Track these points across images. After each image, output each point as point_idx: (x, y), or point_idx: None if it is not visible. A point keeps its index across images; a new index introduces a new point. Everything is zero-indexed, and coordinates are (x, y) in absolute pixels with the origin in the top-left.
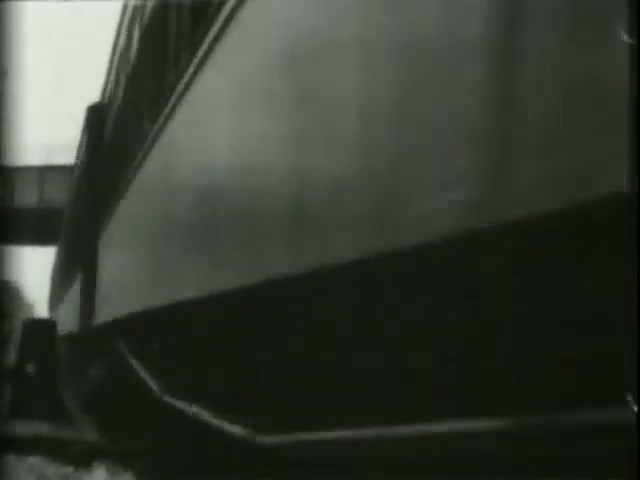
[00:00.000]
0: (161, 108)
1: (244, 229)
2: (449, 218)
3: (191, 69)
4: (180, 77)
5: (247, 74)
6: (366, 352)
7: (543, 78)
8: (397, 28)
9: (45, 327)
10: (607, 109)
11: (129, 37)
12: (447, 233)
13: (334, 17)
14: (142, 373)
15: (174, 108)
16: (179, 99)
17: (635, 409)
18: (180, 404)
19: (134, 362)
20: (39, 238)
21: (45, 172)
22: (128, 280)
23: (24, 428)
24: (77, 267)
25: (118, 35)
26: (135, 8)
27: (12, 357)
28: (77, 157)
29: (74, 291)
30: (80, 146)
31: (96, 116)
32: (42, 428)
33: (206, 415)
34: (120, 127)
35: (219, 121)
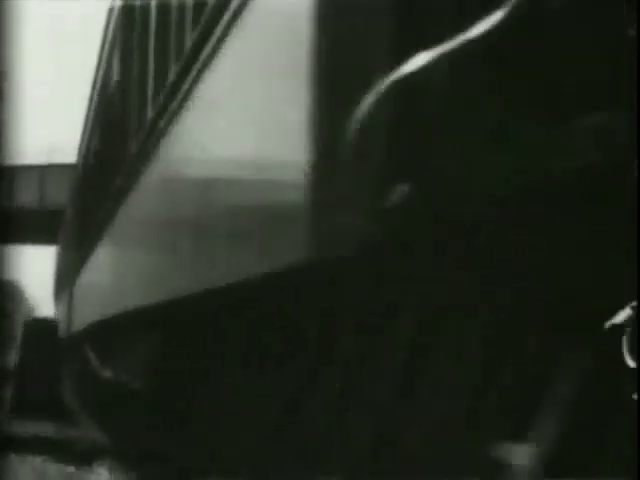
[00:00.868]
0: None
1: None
2: None
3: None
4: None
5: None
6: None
7: None
8: None
9: (47, 327)
10: None
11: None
12: None
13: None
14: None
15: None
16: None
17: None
18: None
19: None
20: (40, 238)
21: (46, 172)
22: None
23: (26, 428)
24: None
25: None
26: (126, 10)
27: (14, 357)
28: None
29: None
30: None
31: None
32: (44, 428)
33: None
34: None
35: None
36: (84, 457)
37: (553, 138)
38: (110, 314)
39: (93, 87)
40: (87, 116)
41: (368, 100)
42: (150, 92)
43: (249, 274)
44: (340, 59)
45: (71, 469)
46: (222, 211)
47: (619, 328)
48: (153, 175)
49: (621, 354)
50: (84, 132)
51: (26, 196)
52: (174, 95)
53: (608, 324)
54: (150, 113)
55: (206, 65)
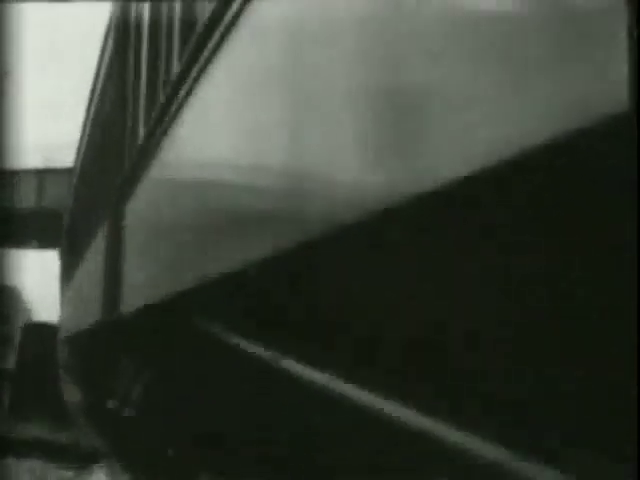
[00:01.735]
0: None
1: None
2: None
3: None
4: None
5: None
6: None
7: None
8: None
9: (45, 331)
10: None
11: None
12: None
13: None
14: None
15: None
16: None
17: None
18: None
19: None
20: (39, 241)
21: (44, 174)
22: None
23: (24, 431)
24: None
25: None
26: (122, 23)
27: (12, 360)
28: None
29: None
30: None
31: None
32: (42, 431)
33: None
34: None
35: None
36: (83, 460)
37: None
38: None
39: (90, 103)
40: (83, 133)
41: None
42: (142, 111)
43: (242, 263)
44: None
45: (70, 472)
46: (217, 211)
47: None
48: (147, 185)
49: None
50: (80, 146)
51: (25, 199)
52: (164, 114)
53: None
54: (142, 132)
55: (194, 87)
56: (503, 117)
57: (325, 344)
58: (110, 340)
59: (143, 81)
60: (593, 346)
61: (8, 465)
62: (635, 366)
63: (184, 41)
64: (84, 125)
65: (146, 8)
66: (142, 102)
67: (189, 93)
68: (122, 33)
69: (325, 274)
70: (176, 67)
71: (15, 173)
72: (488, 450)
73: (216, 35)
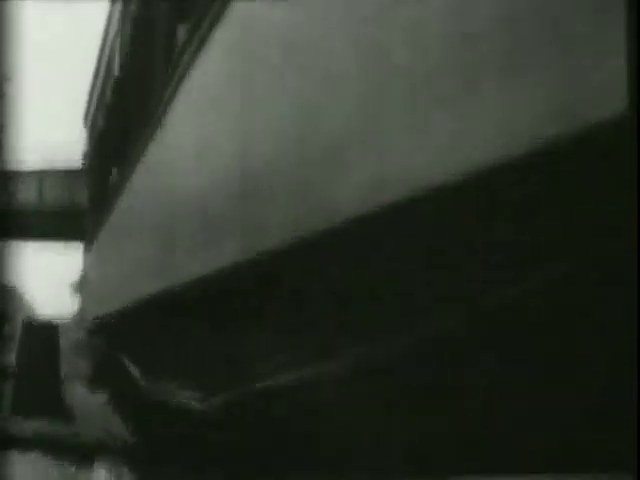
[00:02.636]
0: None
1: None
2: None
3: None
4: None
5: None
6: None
7: None
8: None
9: (46, 327)
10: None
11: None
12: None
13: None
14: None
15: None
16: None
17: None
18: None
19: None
20: (39, 239)
21: (45, 173)
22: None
23: (25, 427)
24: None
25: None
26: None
27: (13, 357)
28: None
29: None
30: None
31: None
32: (43, 427)
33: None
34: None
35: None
36: (85, 456)
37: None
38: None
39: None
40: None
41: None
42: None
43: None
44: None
45: (72, 468)
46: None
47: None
48: (144, 172)
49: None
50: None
51: (25, 197)
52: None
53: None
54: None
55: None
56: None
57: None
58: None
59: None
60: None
61: (9, 461)
62: (635, 366)
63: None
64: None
65: None
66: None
67: (174, 94)
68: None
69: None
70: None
71: (15, 173)
72: None
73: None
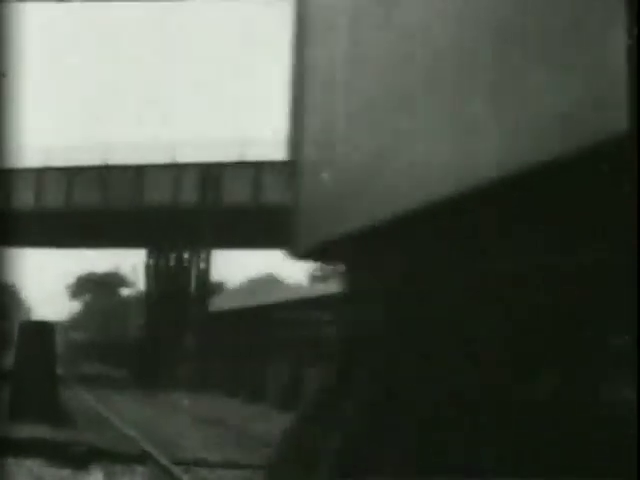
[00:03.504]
0: None
1: None
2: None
3: None
4: None
5: None
6: None
7: None
8: None
9: (43, 329)
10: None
11: None
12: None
13: None
14: None
15: None
16: None
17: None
18: None
19: None
20: (37, 240)
21: (43, 174)
22: None
23: (22, 431)
24: None
25: None
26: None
27: (10, 359)
28: None
29: None
30: None
31: None
32: (40, 431)
33: None
34: None
35: None
36: (80, 460)
37: None
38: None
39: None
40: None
41: None
42: None
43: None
44: None
45: (67, 472)
46: None
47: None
48: None
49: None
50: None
51: (24, 198)
52: None
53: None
54: None
55: None
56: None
57: None
58: None
59: None
60: None
61: (6, 464)
62: (636, 366)
63: None
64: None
65: None
66: None
67: None
68: None
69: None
70: None
71: (14, 172)
72: None
73: None
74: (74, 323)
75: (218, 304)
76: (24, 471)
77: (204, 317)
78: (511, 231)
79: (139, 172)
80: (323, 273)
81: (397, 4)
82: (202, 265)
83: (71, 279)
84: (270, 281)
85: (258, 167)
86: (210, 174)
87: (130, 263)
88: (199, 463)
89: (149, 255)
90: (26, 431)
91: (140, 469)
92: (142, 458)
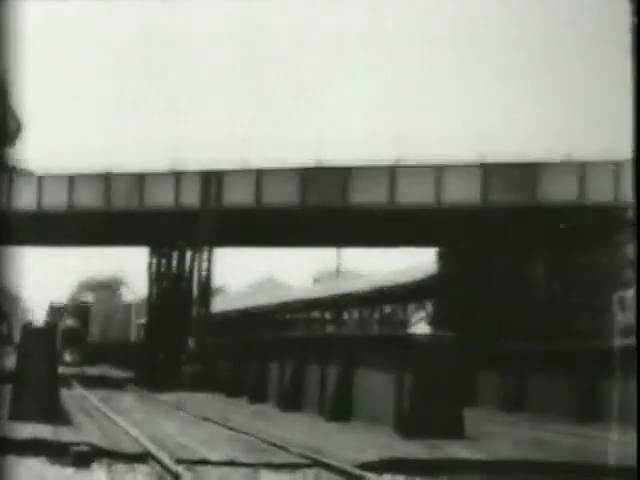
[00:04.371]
0: None
1: None
2: None
3: None
4: None
5: None
6: None
7: None
8: None
9: (45, 330)
10: None
11: None
12: None
13: None
14: None
15: None
16: None
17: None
18: None
19: None
20: (38, 241)
21: (43, 176)
22: None
23: (24, 430)
24: None
25: None
26: None
27: (12, 359)
28: None
29: None
30: None
31: None
32: (42, 430)
33: None
34: None
35: None
36: (82, 459)
37: None
38: None
39: None
40: None
41: None
42: None
43: None
44: None
45: (69, 471)
46: None
47: None
48: None
49: None
50: None
51: (25, 199)
52: None
53: None
54: None
55: None
56: None
57: None
58: None
59: None
60: None
61: (8, 464)
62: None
63: None
64: None
65: None
66: None
67: None
68: None
69: None
70: None
71: (15, 173)
72: None
73: None
74: (75, 324)
75: (220, 305)
76: (26, 470)
77: (206, 318)
78: None
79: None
80: (323, 274)
81: None
82: (204, 266)
83: (73, 280)
84: (271, 282)
85: (260, 169)
86: (212, 175)
87: (132, 264)
88: (201, 462)
89: (151, 256)
90: (28, 431)
91: (142, 468)
92: (144, 457)
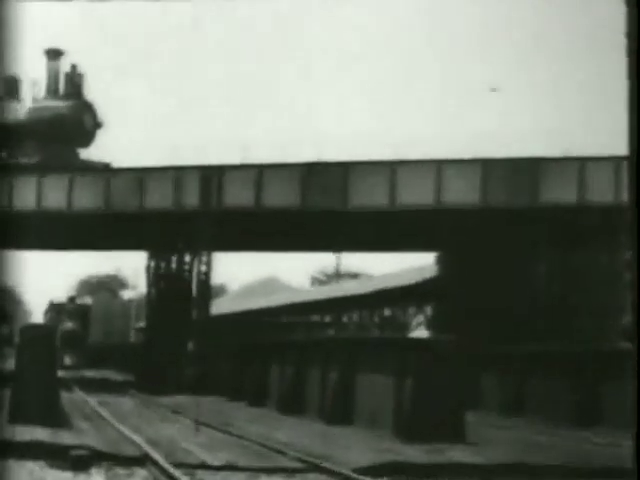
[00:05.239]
0: None
1: None
2: None
3: None
4: None
5: None
6: None
7: None
8: None
9: (44, 332)
10: None
11: None
12: None
13: None
14: None
15: None
16: None
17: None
18: None
19: None
20: (38, 243)
21: (44, 177)
22: None
23: (24, 433)
24: None
25: None
26: None
27: (12, 362)
28: None
29: None
30: None
31: None
32: (42, 433)
33: None
34: None
35: None
36: (82, 462)
37: None
38: None
39: None
40: None
41: None
42: None
43: None
44: None
45: (68, 474)
46: None
47: None
48: None
49: None
50: None
51: (25, 201)
52: None
53: None
54: None
55: None
56: None
57: None
58: None
59: None
60: None
61: (8, 467)
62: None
63: None
64: None
65: None
66: None
67: None
68: None
69: None
70: None
71: (16, 175)
72: None
73: None
74: (74, 326)
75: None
76: (25, 473)
77: (205, 321)
78: None
79: (141, 174)
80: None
81: None
82: (203, 268)
83: (73, 282)
84: (271, 285)
85: (260, 169)
86: (212, 176)
87: (131, 266)
88: (200, 466)
89: (150, 257)
90: (28, 434)
91: (141, 472)
92: (143, 461)
